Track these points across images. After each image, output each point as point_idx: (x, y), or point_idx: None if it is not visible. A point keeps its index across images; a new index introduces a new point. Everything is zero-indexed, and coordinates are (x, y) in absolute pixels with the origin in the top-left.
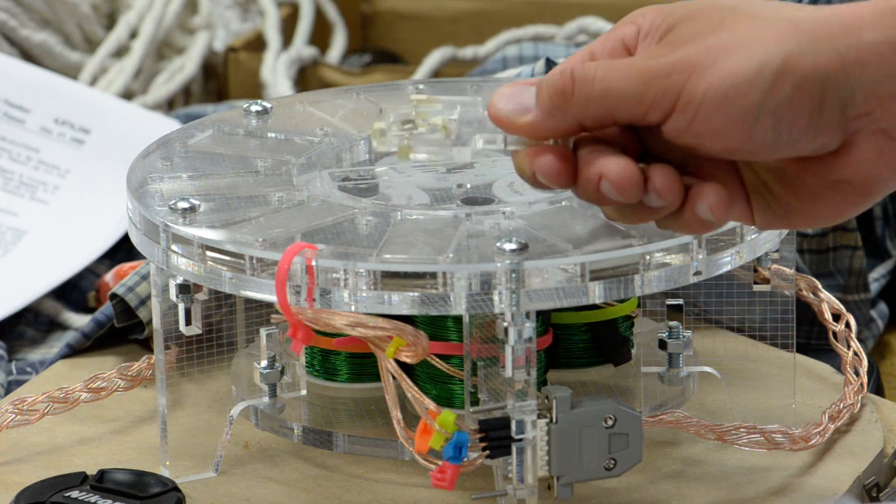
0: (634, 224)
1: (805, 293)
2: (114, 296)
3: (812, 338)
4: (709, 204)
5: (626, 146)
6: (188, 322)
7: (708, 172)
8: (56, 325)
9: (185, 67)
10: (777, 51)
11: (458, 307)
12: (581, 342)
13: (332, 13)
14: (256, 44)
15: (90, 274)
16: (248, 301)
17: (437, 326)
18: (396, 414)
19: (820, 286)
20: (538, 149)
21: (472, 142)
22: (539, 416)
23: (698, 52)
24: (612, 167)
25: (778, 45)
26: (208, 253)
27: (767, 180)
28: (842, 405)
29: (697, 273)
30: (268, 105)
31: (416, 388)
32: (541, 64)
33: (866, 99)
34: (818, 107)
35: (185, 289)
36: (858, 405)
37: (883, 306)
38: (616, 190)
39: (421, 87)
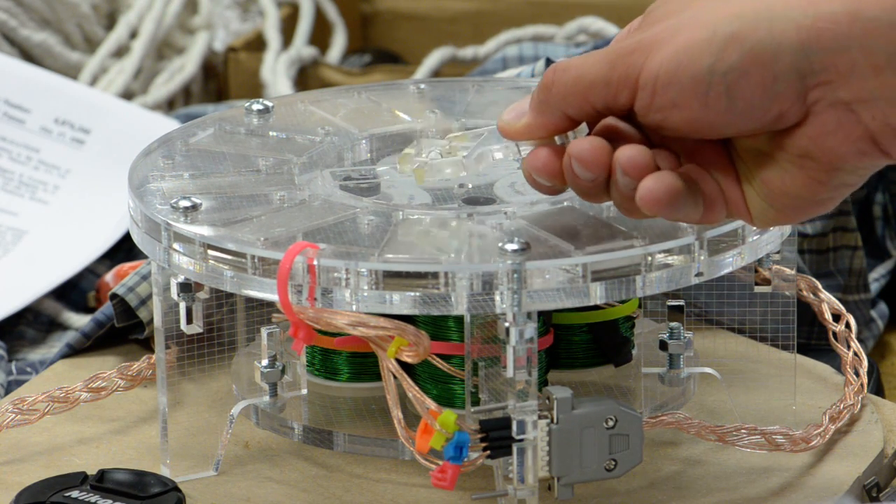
0: (637, 217)
1: (805, 294)
2: (114, 296)
3: (812, 338)
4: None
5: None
6: (189, 321)
7: (703, 163)
8: (56, 325)
9: (185, 67)
10: (731, 22)
11: (460, 307)
12: (582, 342)
13: (332, 13)
14: (256, 44)
15: (90, 274)
16: (249, 300)
17: (438, 326)
18: (397, 413)
19: (820, 286)
20: (535, 147)
21: (486, 154)
22: (540, 417)
23: (660, 30)
24: (577, 146)
25: (732, 18)
26: (210, 252)
27: (748, 162)
28: (842, 406)
29: (699, 274)
30: (269, 104)
31: (416, 388)
32: (541, 64)
33: (824, 68)
34: (771, 74)
35: (186, 287)
36: (859, 406)
37: (883, 306)
38: (581, 166)
39: (422, 86)
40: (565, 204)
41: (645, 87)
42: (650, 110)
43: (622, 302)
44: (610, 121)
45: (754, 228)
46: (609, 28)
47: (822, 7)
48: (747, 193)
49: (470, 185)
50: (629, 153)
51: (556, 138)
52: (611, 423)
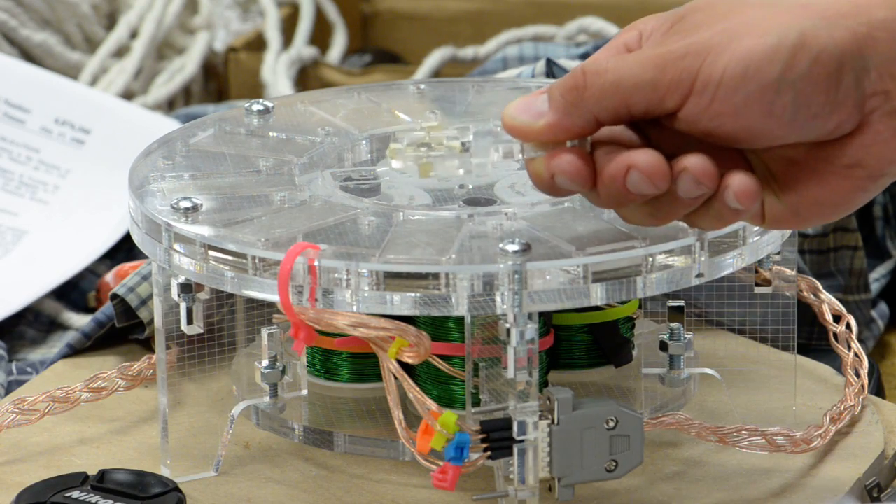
0: (659, 226)
1: (806, 294)
2: (114, 296)
3: (813, 339)
4: (735, 191)
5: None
6: (190, 321)
7: (723, 167)
8: (56, 325)
9: (185, 67)
10: (792, 28)
11: (461, 308)
12: (582, 343)
13: (332, 13)
14: (257, 44)
15: (90, 274)
16: (249, 300)
17: (438, 327)
18: (398, 414)
19: (821, 287)
20: (556, 151)
21: (490, 153)
22: (540, 418)
23: (712, 34)
24: (640, 157)
25: (793, 24)
26: (210, 252)
27: (776, 171)
28: (842, 407)
29: (700, 275)
30: (269, 104)
31: (417, 389)
32: (541, 64)
33: (881, 76)
34: (835, 81)
35: (186, 288)
36: (859, 407)
37: (883, 306)
38: (647, 178)
39: (422, 86)
40: (566, 205)
41: (703, 92)
42: (703, 117)
43: (622, 303)
44: (611, 129)
45: (755, 229)
46: (609, 28)
47: (875, 14)
48: (766, 199)
49: (470, 186)
50: (700, 162)
51: (568, 142)
52: (611, 424)
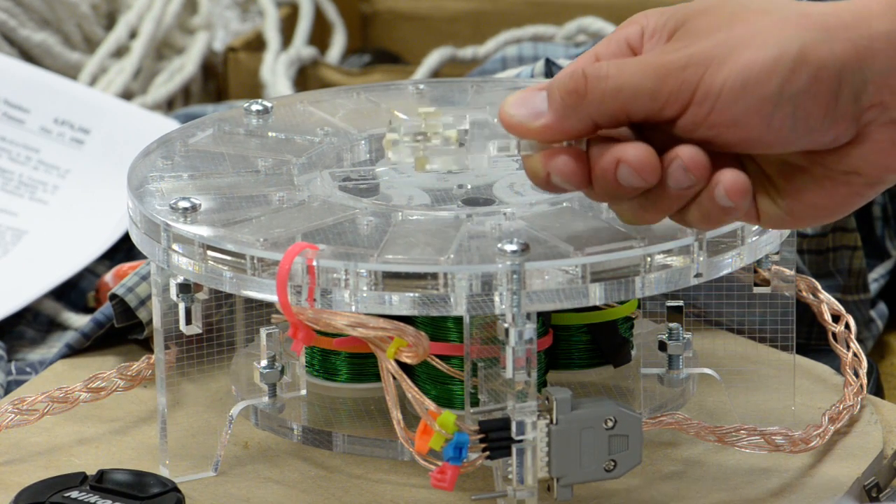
0: (651, 222)
1: (805, 294)
2: (113, 296)
3: (811, 339)
4: (725, 187)
5: None
6: (188, 321)
7: (717, 168)
8: (56, 325)
9: (184, 67)
10: (793, 41)
11: (459, 308)
12: (581, 343)
13: (332, 13)
14: (256, 44)
15: (90, 274)
16: (248, 301)
17: (437, 327)
18: (396, 414)
19: (820, 287)
20: (552, 151)
21: (486, 149)
22: (539, 418)
23: (713, 45)
24: (629, 150)
25: (793, 36)
26: (209, 252)
27: (773, 175)
28: (841, 406)
29: (698, 275)
30: (268, 104)
31: (416, 389)
32: (541, 64)
33: (879, 89)
34: (834, 96)
35: (185, 288)
36: (858, 406)
37: (882, 306)
38: (635, 171)
39: (421, 87)
40: (564, 205)
41: (702, 103)
42: (702, 126)
43: (621, 303)
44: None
45: (754, 229)
46: (609, 28)
47: (876, 27)
48: (760, 201)
49: (469, 186)
50: (692, 152)
51: (565, 141)
52: (610, 424)
